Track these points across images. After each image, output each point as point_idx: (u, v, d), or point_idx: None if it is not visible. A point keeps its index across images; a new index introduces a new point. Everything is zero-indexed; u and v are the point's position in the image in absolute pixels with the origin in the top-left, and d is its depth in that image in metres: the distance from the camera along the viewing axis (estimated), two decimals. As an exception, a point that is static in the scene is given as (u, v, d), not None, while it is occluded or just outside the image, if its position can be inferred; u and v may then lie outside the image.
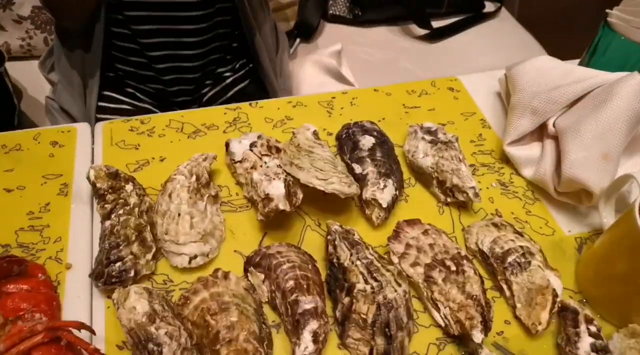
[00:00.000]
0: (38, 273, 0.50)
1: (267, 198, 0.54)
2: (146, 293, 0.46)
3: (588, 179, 0.58)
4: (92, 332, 0.45)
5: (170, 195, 0.54)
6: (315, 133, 0.63)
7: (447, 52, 1.35)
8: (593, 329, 0.49)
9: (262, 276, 0.51)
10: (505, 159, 0.68)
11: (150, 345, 0.43)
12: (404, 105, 0.74)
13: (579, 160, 0.59)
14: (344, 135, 0.67)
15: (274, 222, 0.57)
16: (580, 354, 0.47)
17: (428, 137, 0.66)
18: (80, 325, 0.44)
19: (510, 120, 0.67)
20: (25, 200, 0.57)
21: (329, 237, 0.54)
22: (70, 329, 0.44)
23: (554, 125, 0.64)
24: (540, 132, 0.67)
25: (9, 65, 1.08)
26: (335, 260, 0.52)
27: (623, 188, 0.59)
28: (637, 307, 0.51)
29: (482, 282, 0.53)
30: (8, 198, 0.57)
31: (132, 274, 0.50)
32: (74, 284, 0.51)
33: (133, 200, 0.54)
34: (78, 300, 0.50)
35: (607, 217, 0.59)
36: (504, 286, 0.54)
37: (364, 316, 0.48)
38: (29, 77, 1.16)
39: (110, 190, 0.54)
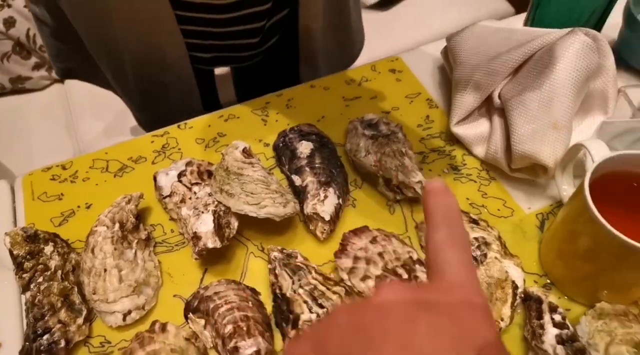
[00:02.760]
0: (-37, 360, 0.47)
1: (196, 236, 0.50)
2: (73, 368, 0.43)
3: (540, 153, 0.54)
4: None
5: (93, 251, 0.50)
6: (245, 151, 0.58)
7: (403, 17, 1.29)
8: (557, 318, 0.46)
9: (203, 322, 0.48)
10: (456, 140, 0.64)
11: None
12: (343, 97, 0.70)
13: (527, 134, 0.55)
14: (280, 145, 0.63)
15: (214, 255, 0.54)
16: (546, 347, 0.44)
17: (369, 132, 0.61)
18: None
19: (454, 98, 0.63)
20: (-54, 279, 0.53)
21: (269, 266, 0.51)
22: None
23: (499, 97, 0.60)
24: (487, 106, 0.63)
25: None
26: (277, 291, 0.49)
27: (579, 155, 0.55)
28: (604, 284, 0.48)
29: (439, 286, 0.50)
30: None
31: (62, 344, 0.46)
32: (5, 364, 0.48)
33: (54, 262, 0.50)
34: (11, 384, 0.47)
35: (566, 189, 0.55)
36: (464, 285, 0.51)
37: (313, 349, 0.45)
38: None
39: (28, 257, 0.50)
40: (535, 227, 0.56)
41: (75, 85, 1.23)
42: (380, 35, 1.22)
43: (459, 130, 0.62)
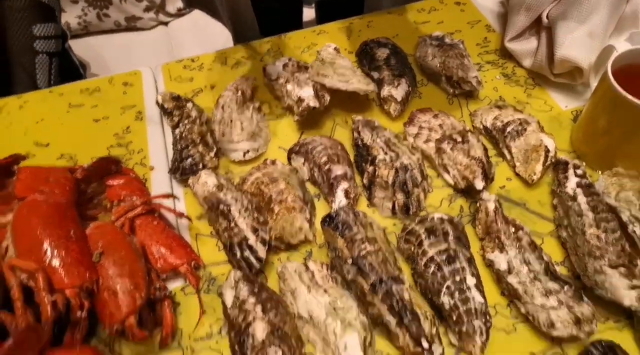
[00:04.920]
0: (129, 173, 0.64)
1: (300, 100, 0.66)
2: (213, 173, 0.60)
3: (576, 56, 0.66)
4: (176, 197, 0.59)
5: (222, 107, 0.67)
6: (336, 49, 0.74)
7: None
8: (579, 171, 0.59)
9: (302, 159, 0.64)
10: (508, 55, 0.77)
11: (221, 206, 0.56)
12: (414, 22, 0.84)
13: (567, 42, 0.67)
14: (362, 51, 0.77)
15: (309, 122, 0.69)
16: (568, 190, 0.57)
17: (435, 43, 0.75)
18: (167, 196, 0.58)
19: (509, 19, 0.76)
20: (110, 126, 0.71)
21: (353, 125, 0.66)
22: (161, 201, 0.58)
23: (547, 17, 0.72)
24: (537, 26, 0.75)
25: (71, 43, 1.24)
26: (360, 142, 0.64)
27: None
28: (619, 154, 0.60)
29: (485, 149, 0.63)
30: (97, 126, 0.72)
31: (200, 167, 0.63)
32: (157, 180, 0.65)
33: (194, 113, 0.67)
34: (162, 192, 0.64)
35: (597, 88, 0.67)
36: (505, 152, 0.64)
37: (385, 179, 0.60)
38: (89, 52, 1.32)
39: (175, 108, 0.67)
40: (569, 120, 0.69)
41: (176, 28, 1.44)
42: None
43: (512, 45, 0.75)
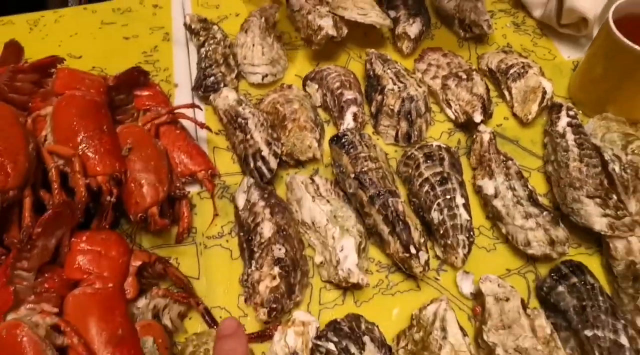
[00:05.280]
0: (155, 87, 0.69)
1: (319, 28, 0.70)
2: (234, 90, 0.65)
3: (584, 7, 0.69)
4: (199, 108, 0.64)
5: (246, 31, 0.72)
6: (356, -15, 0.77)
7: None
8: (571, 113, 0.63)
9: (317, 86, 0.68)
10: (520, 5, 0.80)
11: (239, 119, 0.62)
12: (434, -32, 0.86)
13: (577, -7, 0.70)
14: (381, -9, 0.81)
15: (325, 54, 0.74)
16: (559, 128, 0.62)
17: (452, -13, 0.78)
18: (190, 105, 0.63)
19: (525, -31, 0.78)
20: (139, 45, 0.76)
21: (366, 57, 0.70)
22: (183, 111, 0.64)
23: (561, -31, 0.75)
24: (551, -20, 0.78)
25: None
26: (371, 73, 0.68)
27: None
28: (611, 100, 0.64)
29: (488, 88, 0.68)
30: (127, 43, 0.76)
31: (222, 85, 0.68)
32: (180, 96, 0.70)
33: (219, 35, 0.72)
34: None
35: (600, 40, 0.70)
36: (506, 93, 0.68)
37: (392, 107, 0.64)
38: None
39: (202, 29, 0.72)
40: (570, 69, 0.72)
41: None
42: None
43: (525, -5, 0.78)
